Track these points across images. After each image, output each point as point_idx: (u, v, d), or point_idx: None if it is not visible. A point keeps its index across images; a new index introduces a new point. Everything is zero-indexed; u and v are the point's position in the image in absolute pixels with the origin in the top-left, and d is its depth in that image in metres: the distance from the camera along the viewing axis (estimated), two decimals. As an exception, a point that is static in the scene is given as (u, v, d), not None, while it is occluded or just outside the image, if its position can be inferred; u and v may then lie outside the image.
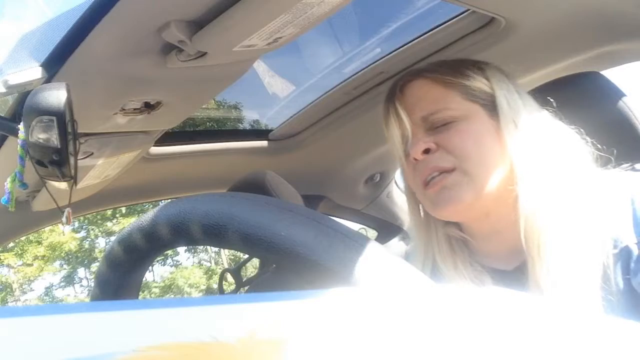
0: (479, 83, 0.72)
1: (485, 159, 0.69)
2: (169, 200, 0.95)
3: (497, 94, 0.72)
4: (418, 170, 0.72)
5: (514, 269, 0.71)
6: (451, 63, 0.76)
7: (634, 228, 0.62)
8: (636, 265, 0.61)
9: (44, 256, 14.52)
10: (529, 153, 0.68)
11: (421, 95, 0.73)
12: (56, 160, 0.57)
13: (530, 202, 0.66)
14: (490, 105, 0.71)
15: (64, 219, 0.68)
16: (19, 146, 0.62)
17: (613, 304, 0.61)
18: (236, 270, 0.97)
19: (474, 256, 0.76)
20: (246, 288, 0.96)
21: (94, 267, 15.51)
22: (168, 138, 1.15)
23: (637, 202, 0.63)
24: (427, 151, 0.70)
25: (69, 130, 0.57)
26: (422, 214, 0.79)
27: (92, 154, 0.92)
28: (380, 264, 0.32)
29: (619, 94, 0.87)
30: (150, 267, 0.64)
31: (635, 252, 0.61)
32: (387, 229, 1.83)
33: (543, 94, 0.77)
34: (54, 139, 0.55)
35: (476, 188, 0.68)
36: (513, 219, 0.68)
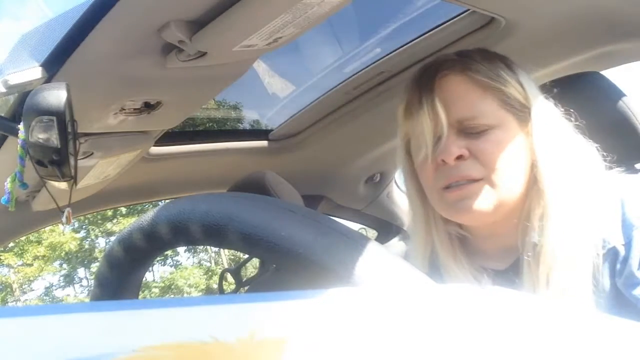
0: (514, 90, 0.70)
1: (513, 171, 0.68)
2: (169, 200, 0.95)
3: (533, 104, 0.70)
4: (443, 173, 0.69)
5: (506, 268, 0.72)
6: (486, 57, 0.73)
7: (622, 229, 0.63)
8: (622, 266, 0.62)
9: (44, 256, 14.52)
10: (556, 162, 0.67)
11: (459, 96, 0.69)
12: (56, 160, 0.57)
13: (551, 212, 0.65)
14: (522, 116, 0.69)
15: (64, 219, 0.68)
16: (19, 146, 0.62)
17: (600, 303, 0.62)
18: (236, 270, 0.97)
19: (469, 255, 0.76)
20: (246, 288, 0.96)
21: (94, 267, 15.51)
22: (168, 138, 1.15)
23: (627, 204, 0.64)
24: (459, 157, 0.68)
25: (69, 130, 0.57)
26: (423, 209, 0.78)
27: (92, 154, 0.92)
28: (380, 264, 0.32)
29: (619, 94, 0.87)
30: (150, 267, 0.64)
31: (621, 253, 0.62)
32: (387, 229, 1.83)
33: (543, 93, 0.77)
34: (54, 139, 0.55)
35: (499, 199, 0.67)
36: (514, 223, 0.69)
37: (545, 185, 0.66)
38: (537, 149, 0.68)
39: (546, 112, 0.70)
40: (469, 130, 0.68)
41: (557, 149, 0.68)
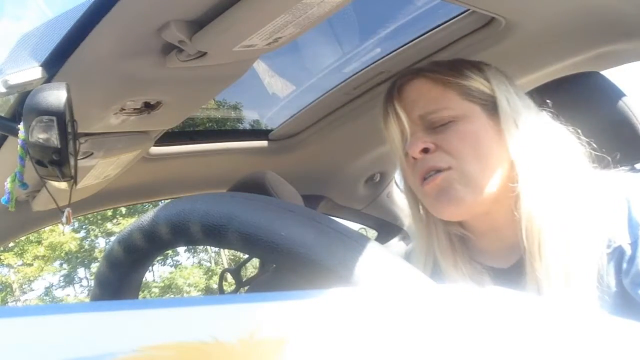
0: (478, 83, 0.73)
1: (484, 160, 0.69)
2: (169, 200, 0.95)
3: (498, 95, 0.72)
4: (416, 169, 0.72)
5: (510, 267, 0.72)
6: (450, 63, 0.77)
7: (628, 228, 0.62)
8: (628, 266, 0.61)
9: (44, 256, 14.51)
10: (530, 153, 0.68)
11: (419, 94, 0.73)
12: (56, 160, 0.57)
13: (531, 201, 0.66)
14: (490, 106, 0.71)
15: (64, 219, 0.68)
16: (19, 146, 0.62)
17: (605, 303, 0.62)
18: (236, 270, 0.97)
19: (472, 255, 0.76)
20: (246, 288, 0.96)
21: (94, 267, 15.50)
22: (168, 138, 1.15)
23: (633, 203, 0.63)
24: (425, 150, 0.70)
25: (69, 130, 0.57)
26: (421, 211, 0.79)
27: (92, 154, 0.92)
28: (380, 264, 0.32)
29: (619, 94, 0.87)
30: (150, 267, 0.64)
31: (628, 252, 0.61)
32: (387, 229, 1.83)
33: (543, 94, 0.77)
34: (54, 139, 0.55)
35: (475, 188, 0.68)
36: (512, 217, 0.69)
37: (520, 175, 0.67)
38: (508, 139, 0.69)
39: (515, 102, 0.72)
40: (434, 125, 0.71)
41: (529, 137, 0.69)
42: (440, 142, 0.70)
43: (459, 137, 0.69)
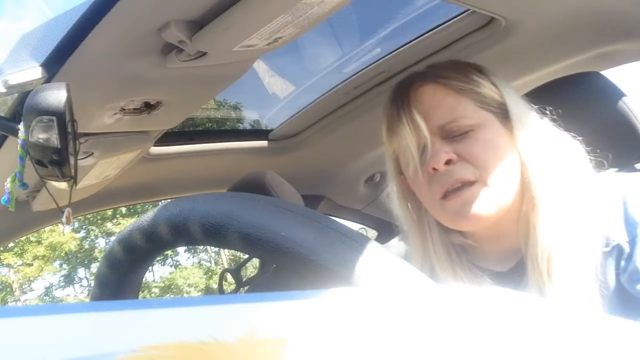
0: (488, 90, 0.71)
1: (504, 168, 0.68)
2: (169, 200, 0.95)
3: (508, 101, 0.71)
4: (437, 182, 0.69)
5: (509, 270, 0.72)
6: (456, 65, 0.75)
7: (625, 227, 0.63)
8: (626, 263, 0.62)
9: (44, 256, 14.52)
10: (541, 157, 0.68)
11: (435, 103, 0.70)
12: (56, 160, 0.57)
13: (546, 206, 0.65)
14: (502, 114, 0.71)
15: (64, 219, 0.68)
16: (19, 146, 0.62)
17: (604, 301, 0.62)
18: (236, 270, 0.97)
19: (470, 259, 0.76)
20: (246, 288, 0.96)
21: (94, 267, 15.51)
22: (168, 138, 1.15)
23: (629, 202, 0.64)
24: (448, 162, 0.68)
25: (69, 130, 0.57)
26: (413, 215, 0.78)
27: (92, 154, 0.92)
28: (380, 264, 0.32)
29: (619, 94, 0.87)
30: (150, 267, 0.64)
31: (626, 250, 0.62)
32: (387, 229, 1.82)
33: (543, 94, 0.77)
34: (54, 139, 0.55)
35: (497, 200, 0.67)
36: (515, 222, 0.69)
37: (534, 182, 0.67)
38: (521, 145, 0.69)
39: (523, 108, 0.72)
40: (452, 134, 0.69)
41: (541, 144, 0.69)
42: (462, 151, 0.68)
43: (480, 146, 0.68)
